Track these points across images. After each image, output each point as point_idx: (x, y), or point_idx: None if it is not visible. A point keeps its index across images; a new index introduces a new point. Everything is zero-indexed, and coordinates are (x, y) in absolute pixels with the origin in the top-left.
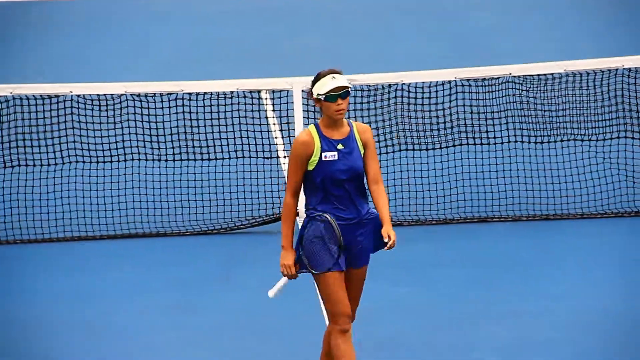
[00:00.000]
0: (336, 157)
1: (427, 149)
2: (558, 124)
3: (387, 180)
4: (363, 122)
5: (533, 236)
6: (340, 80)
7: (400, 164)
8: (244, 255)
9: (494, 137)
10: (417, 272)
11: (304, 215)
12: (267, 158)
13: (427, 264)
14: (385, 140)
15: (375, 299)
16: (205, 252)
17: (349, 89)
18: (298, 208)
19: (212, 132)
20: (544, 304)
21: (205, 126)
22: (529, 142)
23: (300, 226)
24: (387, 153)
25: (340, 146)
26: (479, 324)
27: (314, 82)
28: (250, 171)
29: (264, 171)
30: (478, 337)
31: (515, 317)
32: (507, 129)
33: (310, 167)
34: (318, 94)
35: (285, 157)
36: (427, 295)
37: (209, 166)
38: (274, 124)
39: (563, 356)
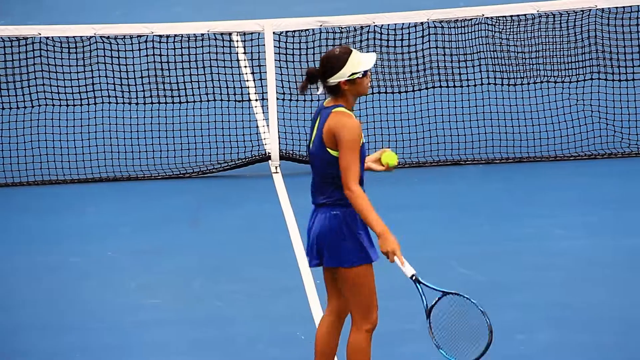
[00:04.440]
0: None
1: (399, 92)
2: (531, 65)
3: (360, 123)
4: None
5: (506, 179)
6: (368, 54)
7: (372, 107)
8: (216, 198)
9: (467, 80)
10: (388, 215)
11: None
12: (239, 101)
13: (399, 207)
14: None
15: None
16: (177, 195)
17: None
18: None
19: (183, 75)
20: (515, 246)
21: (176, 69)
22: (502, 84)
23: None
24: None
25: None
26: (450, 267)
27: (340, 61)
28: (222, 114)
29: (235, 114)
30: (448, 279)
31: (487, 259)
32: (480, 71)
33: None
34: (355, 73)
35: (257, 99)
36: (397, 238)
37: (179, 109)
38: (245, 66)
39: (532, 297)
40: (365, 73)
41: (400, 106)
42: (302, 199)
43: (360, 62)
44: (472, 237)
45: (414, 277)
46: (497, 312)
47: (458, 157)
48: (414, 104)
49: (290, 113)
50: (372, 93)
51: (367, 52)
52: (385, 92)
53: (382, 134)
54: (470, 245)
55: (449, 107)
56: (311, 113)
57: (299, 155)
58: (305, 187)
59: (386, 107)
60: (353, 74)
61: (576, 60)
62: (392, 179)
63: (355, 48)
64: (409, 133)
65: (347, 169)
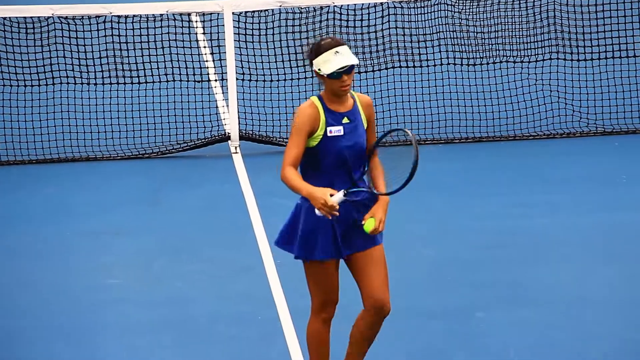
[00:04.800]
0: (342, 132)
1: (359, 72)
2: (490, 45)
3: None
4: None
5: (464, 158)
6: (344, 57)
7: None
8: (175, 178)
9: (427, 60)
10: None
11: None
12: (198, 82)
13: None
14: None
15: None
16: (135, 176)
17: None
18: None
19: (142, 56)
20: (475, 225)
21: (134, 50)
22: (462, 65)
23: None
24: None
25: (345, 120)
26: (409, 245)
27: (313, 52)
28: (181, 95)
29: (195, 95)
30: (408, 257)
31: (446, 237)
32: (440, 51)
33: (313, 143)
34: (320, 70)
35: (216, 80)
36: None
37: (139, 90)
38: (205, 47)
39: (492, 275)
40: (332, 76)
41: (360, 86)
42: (261, 179)
43: (325, 62)
44: (431, 215)
45: (345, 193)
46: (456, 291)
47: (418, 137)
48: (373, 84)
49: (250, 93)
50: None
51: (325, 33)
52: None
53: None
54: (430, 223)
55: (408, 88)
56: (271, 94)
57: (258, 135)
58: (265, 167)
59: None
60: (320, 70)
61: (535, 40)
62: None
63: (345, 43)
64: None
65: (285, 153)
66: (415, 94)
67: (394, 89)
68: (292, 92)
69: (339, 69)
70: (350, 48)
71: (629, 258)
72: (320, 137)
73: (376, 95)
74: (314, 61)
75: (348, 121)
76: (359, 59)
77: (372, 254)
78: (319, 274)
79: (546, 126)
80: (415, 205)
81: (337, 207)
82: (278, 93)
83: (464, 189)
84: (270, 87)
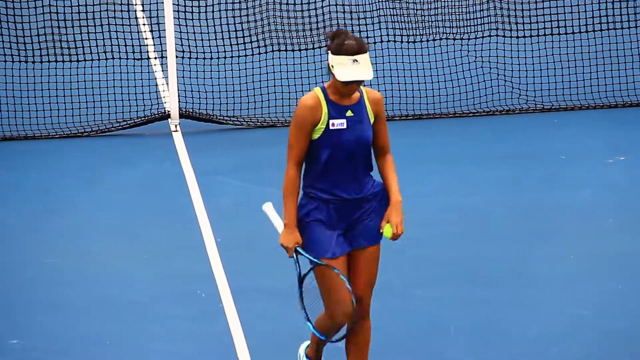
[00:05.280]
0: (345, 126)
1: (299, 50)
2: (430, 22)
3: (260, 81)
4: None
5: (405, 135)
6: (361, 69)
7: (273, 65)
8: (115, 157)
9: (367, 37)
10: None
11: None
12: (138, 59)
13: None
14: (257, 41)
15: (241, 196)
16: (74, 155)
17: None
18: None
19: (81, 33)
20: (414, 202)
21: (73, 27)
22: (402, 42)
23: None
24: (259, 54)
25: (349, 113)
26: None
27: (333, 45)
28: (121, 72)
29: (134, 72)
30: None
31: None
32: (380, 29)
33: (315, 136)
34: (333, 68)
35: (156, 57)
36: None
37: (77, 67)
38: (144, 24)
39: (429, 253)
40: (342, 81)
41: (300, 64)
42: (202, 157)
43: (341, 65)
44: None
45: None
46: (393, 268)
47: None
48: (314, 62)
49: (190, 71)
50: (273, 51)
51: (265, 10)
52: (286, 50)
53: (282, 92)
54: None
55: None
56: (211, 71)
57: (199, 113)
58: (205, 146)
59: (286, 64)
60: (333, 66)
61: (475, 17)
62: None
63: (369, 46)
64: (310, 91)
65: (288, 148)
66: None
67: None
68: (232, 70)
69: (352, 81)
70: (368, 52)
71: (568, 235)
72: (322, 130)
73: (317, 73)
74: (330, 54)
75: (352, 114)
76: (299, 36)
77: (366, 253)
78: (326, 276)
79: (485, 103)
80: None
81: (291, 256)
82: (218, 71)
83: (403, 166)
84: (211, 64)
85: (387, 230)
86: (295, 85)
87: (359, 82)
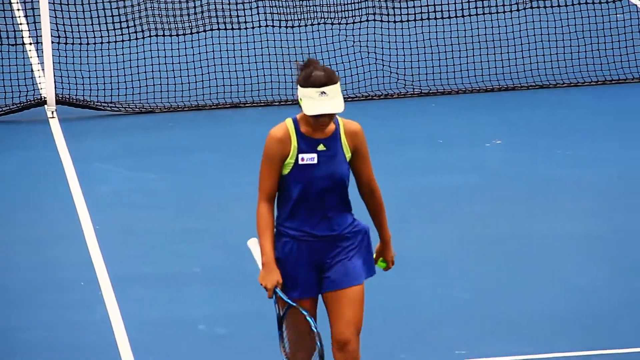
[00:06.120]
0: (315, 161)
1: (177, 35)
2: (308, 7)
3: (138, 67)
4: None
5: (280, 122)
6: (329, 102)
7: (150, 50)
8: None
9: (245, 22)
10: (169, 159)
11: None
12: (12, 45)
13: (174, 150)
14: (135, 26)
15: (118, 183)
16: None
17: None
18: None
19: None
20: None
21: None
22: (280, 27)
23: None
24: (136, 39)
25: (321, 147)
26: (229, 208)
27: (301, 77)
28: None
29: (9, 58)
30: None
31: None
32: (258, 13)
33: (285, 171)
34: (301, 101)
35: (31, 43)
36: (173, 182)
37: None
38: (19, 9)
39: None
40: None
41: (178, 49)
42: (79, 144)
43: (306, 98)
44: (249, 178)
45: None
46: None
47: (237, 100)
48: (192, 47)
49: (67, 57)
50: (150, 36)
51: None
52: (163, 35)
53: (160, 77)
54: (245, 186)
55: (227, 50)
56: (87, 57)
57: (76, 99)
58: (83, 132)
59: (164, 50)
60: (301, 99)
61: (352, 2)
62: (172, 123)
63: (337, 80)
64: (188, 76)
65: (259, 183)
66: (234, 56)
67: (212, 52)
68: (109, 56)
69: (319, 115)
70: (339, 83)
71: (444, 219)
72: (292, 165)
73: (195, 58)
74: (298, 87)
75: (324, 148)
76: (176, 21)
77: (347, 294)
78: (293, 320)
79: (364, 87)
80: (240, 170)
81: (270, 297)
82: (95, 56)
83: None
84: (87, 50)
85: (380, 265)
86: (173, 70)
87: (330, 116)
